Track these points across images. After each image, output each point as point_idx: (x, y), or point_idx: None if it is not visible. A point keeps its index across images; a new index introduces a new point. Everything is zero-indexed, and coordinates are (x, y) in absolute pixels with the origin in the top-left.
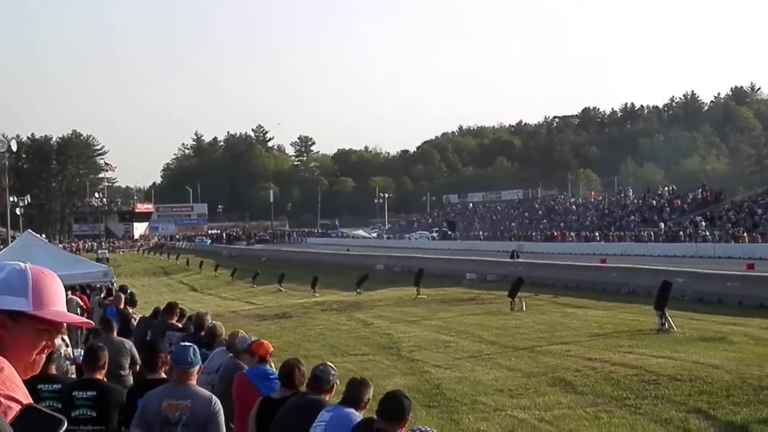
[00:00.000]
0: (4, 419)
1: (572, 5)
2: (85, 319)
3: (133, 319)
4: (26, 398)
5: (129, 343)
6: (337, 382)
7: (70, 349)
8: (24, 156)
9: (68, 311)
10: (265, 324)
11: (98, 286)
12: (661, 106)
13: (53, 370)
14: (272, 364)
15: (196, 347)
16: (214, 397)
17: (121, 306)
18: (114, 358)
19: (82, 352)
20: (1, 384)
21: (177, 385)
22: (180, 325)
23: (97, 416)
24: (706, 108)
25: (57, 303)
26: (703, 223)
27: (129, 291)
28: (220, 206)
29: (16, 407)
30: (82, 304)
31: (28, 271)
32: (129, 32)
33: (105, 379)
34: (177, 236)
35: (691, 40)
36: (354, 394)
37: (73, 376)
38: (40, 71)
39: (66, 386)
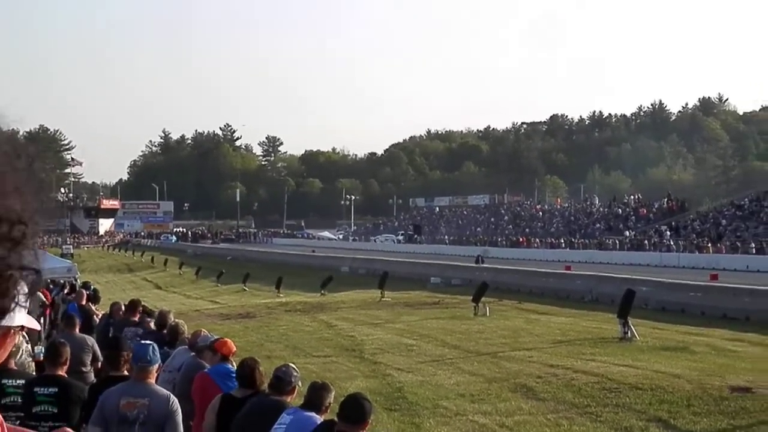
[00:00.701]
0: None
1: (542, 14)
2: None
3: (95, 316)
4: None
5: (91, 340)
6: (299, 383)
7: (29, 346)
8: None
9: (32, 306)
10: (228, 323)
11: (62, 281)
12: (629, 114)
13: (13, 365)
14: (233, 364)
15: (155, 345)
16: (172, 396)
17: (83, 302)
18: (76, 354)
19: (43, 348)
20: None
21: (136, 383)
22: (139, 322)
23: (58, 412)
24: (673, 118)
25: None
26: (668, 233)
27: (92, 287)
28: (186, 204)
29: None
30: (44, 299)
31: None
32: (99, 28)
33: (66, 376)
34: (142, 233)
35: (659, 50)
36: (315, 398)
37: (33, 372)
38: (7, 63)
39: (27, 382)
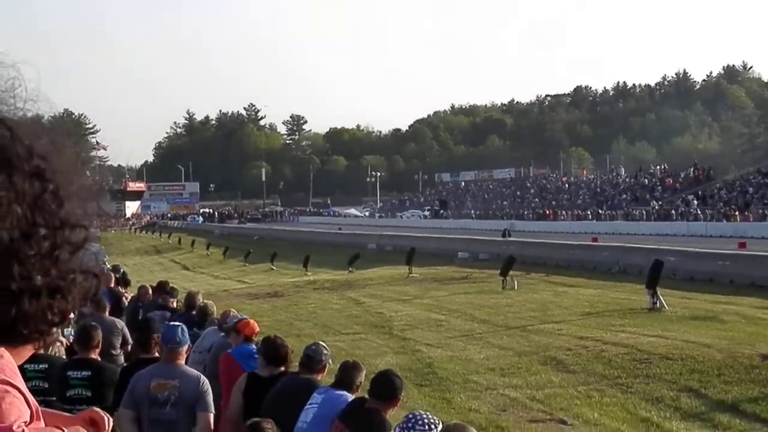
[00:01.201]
0: None
1: None
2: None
3: (124, 298)
4: (23, 384)
5: (120, 323)
6: (330, 361)
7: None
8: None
9: None
10: (256, 303)
11: None
12: (653, 84)
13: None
14: (257, 344)
15: (184, 326)
16: (202, 376)
17: (112, 285)
18: (106, 337)
19: (72, 331)
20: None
21: (166, 364)
22: (171, 305)
23: (92, 395)
24: (698, 87)
25: None
26: (695, 202)
27: (122, 270)
28: (212, 185)
29: (14, 392)
30: None
31: None
32: (120, 11)
33: (99, 359)
34: (169, 215)
35: (683, 19)
36: (346, 377)
37: (63, 356)
38: (31, 49)
39: (59, 366)
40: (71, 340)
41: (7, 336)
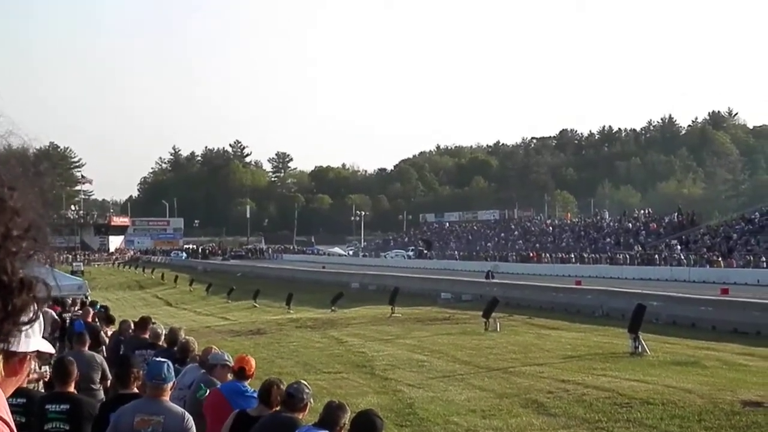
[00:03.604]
0: None
1: (552, 27)
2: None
3: (103, 333)
4: (10, 418)
5: (100, 357)
6: (311, 400)
7: (36, 365)
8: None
9: (44, 323)
10: (239, 340)
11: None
12: (638, 129)
13: None
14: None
15: (170, 363)
16: (186, 413)
17: (89, 319)
18: (85, 372)
19: (48, 368)
20: None
21: (150, 400)
22: (152, 341)
23: (70, 429)
24: (683, 132)
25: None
26: (679, 247)
27: (101, 307)
28: (196, 221)
29: (2, 426)
30: (56, 317)
31: None
32: (108, 45)
33: (76, 392)
34: (153, 250)
35: (669, 65)
36: (331, 417)
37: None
38: (18, 81)
39: (37, 399)
40: (48, 376)
41: None
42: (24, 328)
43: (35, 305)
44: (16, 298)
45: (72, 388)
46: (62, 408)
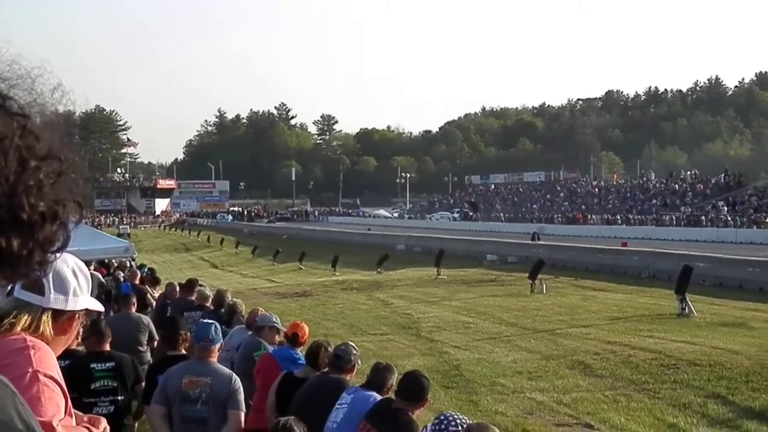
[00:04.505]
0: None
1: None
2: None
3: (148, 295)
4: (60, 376)
5: (146, 319)
6: (359, 362)
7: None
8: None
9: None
10: (285, 302)
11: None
12: (684, 90)
13: (107, 346)
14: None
15: (217, 324)
16: (234, 375)
17: (137, 281)
18: (132, 333)
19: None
20: (37, 363)
21: (198, 361)
22: (199, 303)
23: (117, 386)
24: (730, 93)
25: (87, 291)
26: (725, 208)
27: (146, 269)
28: (241, 183)
29: (53, 385)
30: (103, 280)
31: (63, 266)
32: (153, 8)
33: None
34: (198, 212)
35: (715, 24)
36: (378, 378)
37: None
38: (63, 46)
39: (80, 360)
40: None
41: (14, 269)
42: (58, 255)
43: (64, 232)
44: (38, 232)
45: (108, 346)
46: (108, 366)
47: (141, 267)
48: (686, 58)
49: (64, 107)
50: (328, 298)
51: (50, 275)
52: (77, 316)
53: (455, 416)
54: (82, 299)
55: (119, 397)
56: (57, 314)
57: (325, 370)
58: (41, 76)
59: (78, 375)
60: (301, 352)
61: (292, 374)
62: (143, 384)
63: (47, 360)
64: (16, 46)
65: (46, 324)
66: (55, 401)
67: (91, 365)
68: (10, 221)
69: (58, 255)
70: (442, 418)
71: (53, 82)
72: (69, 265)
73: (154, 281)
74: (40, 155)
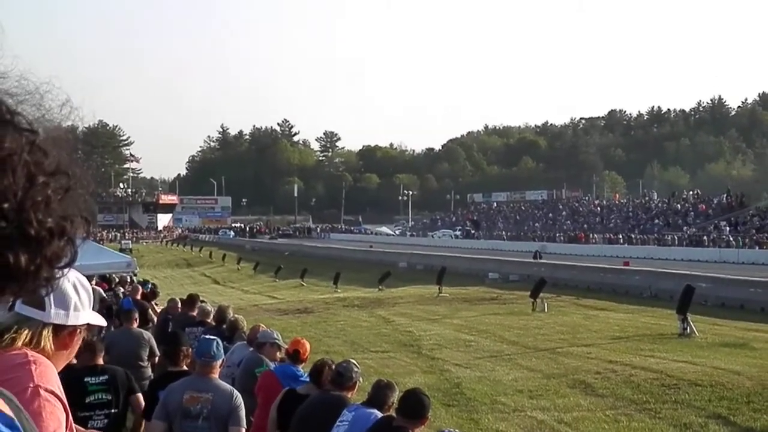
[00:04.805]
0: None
1: (602, 6)
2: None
3: (150, 311)
4: (61, 391)
5: (148, 335)
6: (360, 379)
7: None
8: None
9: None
10: (286, 318)
11: (124, 277)
12: (687, 110)
13: (100, 360)
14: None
15: (219, 340)
16: (235, 391)
17: (138, 297)
18: (133, 349)
19: None
20: (38, 377)
21: (199, 377)
22: (200, 319)
23: (112, 399)
24: (733, 113)
25: (89, 306)
26: (727, 229)
27: (149, 285)
28: (244, 200)
29: (54, 400)
30: (104, 295)
31: (64, 281)
32: (156, 23)
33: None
34: (200, 228)
35: (719, 45)
36: (379, 396)
37: None
38: (65, 60)
39: (73, 373)
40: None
41: (22, 285)
42: (65, 272)
43: (72, 248)
44: (46, 248)
45: (101, 360)
46: (102, 379)
47: (145, 283)
48: (689, 78)
49: (72, 123)
50: (329, 315)
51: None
52: (78, 330)
53: (451, 430)
54: (84, 314)
55: (113, 410)
56: (58, 329)
57: (327, 387)
58: (50, 92)
59: (72, 389)
60: (302, 369)
61: (294, 391)
62: (139, 395)
63: (48, 375)
64: (24, 62)
65: (47, 339)
66: (56, 416)
67: (85, 379)
68: (18, 237)
69: (65, 271)
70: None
71: (62, 98)
72: (70, 279)
73: (153, 295)
74: (49, 171)
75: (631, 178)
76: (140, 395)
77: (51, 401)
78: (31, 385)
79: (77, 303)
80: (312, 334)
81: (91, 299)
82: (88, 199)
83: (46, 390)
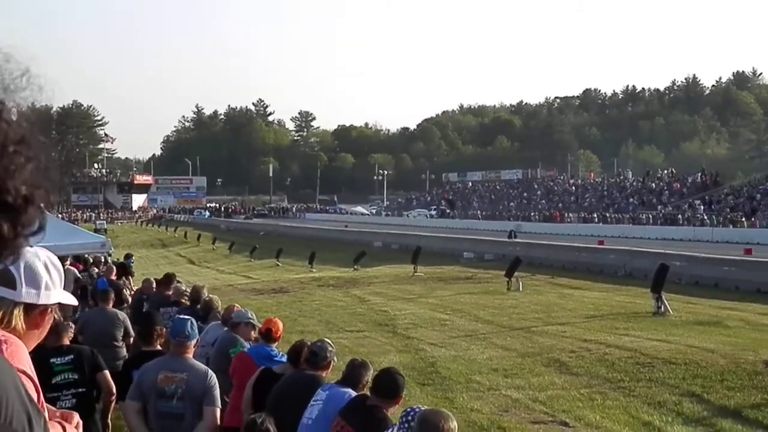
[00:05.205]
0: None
1: None
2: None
3: (125, 290)
4: (32, 370)
5: (123, 315)
6: (335, 359)
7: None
8: (23, 124)
9: (65, 281)
10: (261, 298)
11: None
12: (662, 89)
13: (67, 341)
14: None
15: (193, 320)
16: (210, 371)
17: (113, 277)
18: (108, 329)
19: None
20: (10, 357)
21: (174, 357)
22: (175, 299)
23: (78, 378)
24: (707, 92)
25: (60, 285)
26: (702, 207)
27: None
28: (219, 180)
29: (26, 380)
30: (78, 275)
31: (35, 260)
32: (132, 4)
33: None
34: (175, 208)
35: (693, 24)
36: (354, 375)
37: None
38: (41, 40)
39: (39, 354)
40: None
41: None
42: (35, 239)
43: (42, 215)
44: (23, 216)
45: (67, 341)
46: (67, 359)
47: (128, 257)
48: (664, 57)
49: (31, 93)
50: (304, 294)
51: (22, 269)
52: (50, 310)
53: (419, 407)
54: (55, 293)
55: (81, 389)
56: (29, 308)
57: (302, 367)
58: (8, 62)
59: (38, 370)
60: (276, 348)
61: (270, 370)
62: (106, 372)
63: (19, 354)
64: None
65: (18, 318)
66: None
67: (51, 360)
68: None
69: (35, 239)
70: (409, 410)
71: (21, 68)
72: (41, 258)
73: (125, 271)
74: (16, 140)
75: (605, 157)
76: (107, 372)
77: (23, 381)
78: None
79: (48, 282)
80: (287, 313)
81: (62, 278)
82: (52, 168)
83: (18, 370)
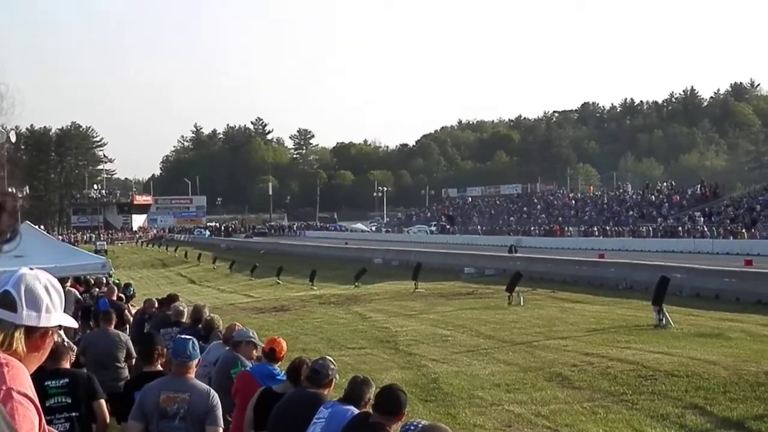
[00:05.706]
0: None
1: (572, 0)
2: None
3: (127, 312)
4: (33, 393)
5: (124, 336)
6: (337, 376)
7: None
8: (23, 147)
9: (66, 303)
10: (262, 317)
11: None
12: (660, 101)
13: (67, 364)
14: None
15: (195, 340)
16: (212, 390)
17: (114, 298)
18: (110, 350)
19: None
20: (11, 380)
21: (175, 377)
22: (176, 319)
23: (72, 402)
24: (705, 104)
25: (60, 308)
26: (702, 219)
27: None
28: (218, 199)
29: (27, 403)
30: (80, 297)
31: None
32: (129, 25)
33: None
34: (176, 228)
35: (691, 36)
36: (356, 392)
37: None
38: (40, 62)
39: (34, 376)
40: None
41: None
42: (6, 248)
43: (14, 221)
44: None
45: (67, 365)
46: (62, 382)
47: (127, 286)
48: (661, 69)
49: None
50: (305, 312)
51: (23, 291)
52: (50, 332)
53: (420, 421)
54: (55, 316)
55: (74, 414)
56: (30, 331)
57: (303, 385)
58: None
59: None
60: (279, 368)
61: (271, 389)
62: (102, 401)
63: (21, 377)
64: None
65: (19, 341)
66: (29, 419)
67: (46, 383)
68: None
69: (7, 248)
70: (408, 424)
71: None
72: (41, 281)
73: (128, 296)
74: None
75: (605, 171)
76: (103, 402)
77: (24, 404)
78: (4, 387)
79: (49, 305)
80: (288, 332)
81: (63, 301)
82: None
83: (19, 392)
